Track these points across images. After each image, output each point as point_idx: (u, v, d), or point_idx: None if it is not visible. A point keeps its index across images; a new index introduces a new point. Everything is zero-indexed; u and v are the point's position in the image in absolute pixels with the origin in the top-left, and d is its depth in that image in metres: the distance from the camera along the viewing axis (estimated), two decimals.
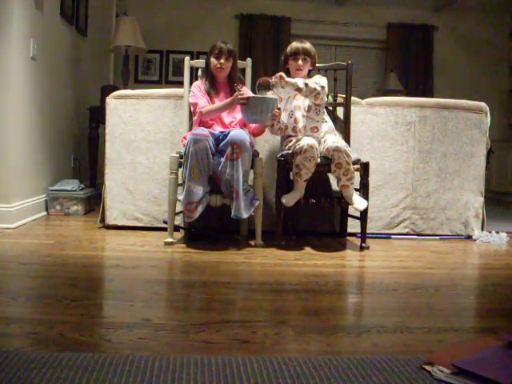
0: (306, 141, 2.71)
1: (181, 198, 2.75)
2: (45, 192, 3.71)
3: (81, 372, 1.18)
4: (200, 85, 2.97)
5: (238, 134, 2.69)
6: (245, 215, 2.73)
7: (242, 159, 2.68)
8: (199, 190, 2.71)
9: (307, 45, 2.97)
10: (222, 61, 2.90)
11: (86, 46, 4.73)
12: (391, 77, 6.35)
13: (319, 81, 2.93)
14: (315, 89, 2.84)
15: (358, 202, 2.82)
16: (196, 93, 2.93)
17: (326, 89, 2.95)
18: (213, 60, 2.93)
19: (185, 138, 2.92)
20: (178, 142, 3.14)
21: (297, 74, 2.96)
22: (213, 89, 2.96)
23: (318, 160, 2.77)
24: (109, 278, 2.20)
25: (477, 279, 2.47)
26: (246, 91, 2.83)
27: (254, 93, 2.81)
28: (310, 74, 3.06)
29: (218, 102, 2.90)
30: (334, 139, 2.76)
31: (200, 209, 2.72)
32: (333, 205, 3.00)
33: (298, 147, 2.73)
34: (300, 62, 2.93)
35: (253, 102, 2.70)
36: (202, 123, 2.89)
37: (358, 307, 1.93)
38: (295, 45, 2.97)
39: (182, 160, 2.80)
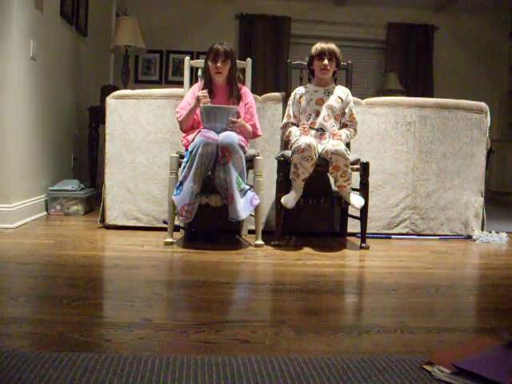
0: (304, 140, 2.71)
1: (176, 197, 2.73)
2: (45, 192, 3.71)
3: (81, 372, 1.18)
4: (195, 90, 2.96)
5: (226, 137, 2.68)
6: (243, 216, 2.72)
7: (234, 162, 2.68)
8: (196, 191, 2.71)
9: (332, 45, 2.95)
10: (218, 64, 2.86)
11: (85, 45, 4.73)
12: (391, 77, 6.35)
13: (342, 95, 2.99)
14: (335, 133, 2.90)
15: (354, 200, 2.83)
16: (184, 99, 2.96)
17: (350, 97, 3.02)
18: (210, 64, 2.90)
19: (185, 137, 2.92)
20: (178, 142, 3.14)
21: (322, 74, 2.96)
22: (208, 92, 2.94)
23: (315, 159, 2.76)
24: (109, 278, 2.20)
25: (477, 279, 2.47)
26: (206, 100, 2.82)
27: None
28: (334, 76, 3.08)
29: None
30: (334, 142, 2.76)
31: (195, 210, 2.73)
32: (333, 205, 3.01)
33: (295, 146, 2.73)
34: (326, 61, 2.92)
35: (206, 110, 2.73)
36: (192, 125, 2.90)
37: (358, 307, 1.93)
38: (320, 45, 2.95)
39: (182, 160, 2.80)
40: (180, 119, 2.89)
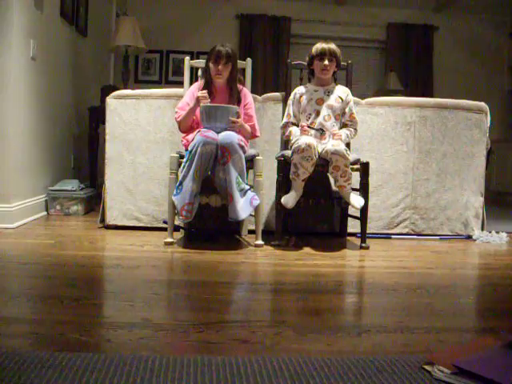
0: (304, 140, 2.71)
1: (175, 197, 2.73)
2: (45, 192, 3.71)
3: (81, 372, 1.18)
4: (194, 91, 2.96)
5: (226, 136, 2.68)
6: (242, 216, 2.72)
7: (233, 161, 2.67)
8: (195, 191, 2.71)
9: (333, 45, 2.95)
10: (219, 67, 2.86)
11: (86, 46, 4.73)
12: (391, 77, 6.34)
13: (342, 94, 2.99)
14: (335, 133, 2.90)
15: (355, 201, 2.83)
16: (183, 100, 2.96)
17: (350, 97, 3.02)
18: (211, 65, 2.90)
19: (184, 137, 2.92)
20: (178, 142, 3.14)
21: (322, 74, 2.96)
22: (208, 93, 2.93)
23: (315, 159, 2.76)
24: (109, 278, 2.20)
25: (477, 279, 2.47)
26: (206, 100, 2.81)
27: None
28: (334, 75, 3.08)
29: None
30: (333, 142, 2.77)
31: (195, 209, 2.73)
32: (333, 205, 3.01)
33: (295, 146, 2.73)
34: (326, 62, 2.92)
35: (206, 110, 2.73)
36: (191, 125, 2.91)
37: (358, 307, 1.93)
38: (321, 45, 2.94)
39: (182, 160, 2.80)
40: (179, 119, 2.88)
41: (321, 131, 2.91)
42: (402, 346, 1.45)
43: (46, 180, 3.76)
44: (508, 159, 6.15)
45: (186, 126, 2.90)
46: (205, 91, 2.83)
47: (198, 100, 2.79)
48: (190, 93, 2.96)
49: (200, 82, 3.03)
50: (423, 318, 1.73)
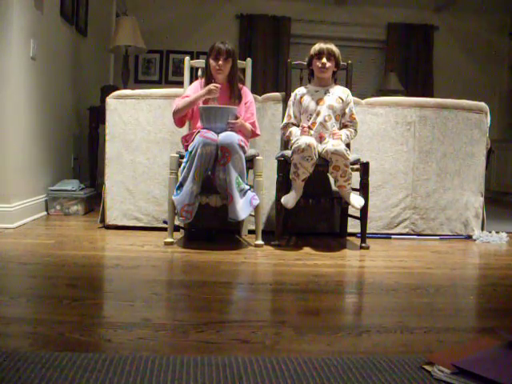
0: (304, 140, 2.71)
1: (175, 198, 2.73)
2: (45, 192, 3.71)
3: (81, 372, 1.18)
4: (198, 86, 2.96)
5: (226, 137, 2.68)
6: (242, 216, 2.72)
7: (233, 162, 2.67)
8: (196, 192, 2.71)
9: (331, 45, 2.96)
10: (220, 62, 2.87)
11: (85, 46, 4.73)
12: (391, 77, 6.34)
13: (342, 95, 2.99)
14: (334, 133, 2.89)
15: (355, 201, 2.83)
16: (186, 93, 2.96)
17: (350, 97, 3.02)
18: (211, 62, 2.91)
19: (184, 138, 2.92)
20: (177, 142, 3.14)
21: (321, 73, 2.97)
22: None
23: (315, 159, 2.76)
24: (109, 278, 2.20)
25: (477, 279, 2.47)
26: (216, 95, 2.83)
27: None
28: (334, 76, 3.08)
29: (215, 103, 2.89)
30: (334, 142, 2.77)
31: (195, 210, 2.73)
32: (333, 205, 3.01)
33: (295, 146, 2.73)
34: (324, 60, 2.93)
35: (205, 111, 2.73)
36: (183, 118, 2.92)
37: (357, 307, 1.93)
38: (319, 45, 2.96)
39: (182, 160, 2.80)
40: (177, 108, 2.87)
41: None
42: (401, 346, 1.45)
43: (46, 180, 3.76)
44: (508, 159, 6.15)
45: (181, 115, 2.89)
46: (218, 85, 2.82)
47: (209, 90, 2.79)
48: (193, 90, 2.96)
49: (201, 80, 3.03)
50: (423, 318, 1.73)
